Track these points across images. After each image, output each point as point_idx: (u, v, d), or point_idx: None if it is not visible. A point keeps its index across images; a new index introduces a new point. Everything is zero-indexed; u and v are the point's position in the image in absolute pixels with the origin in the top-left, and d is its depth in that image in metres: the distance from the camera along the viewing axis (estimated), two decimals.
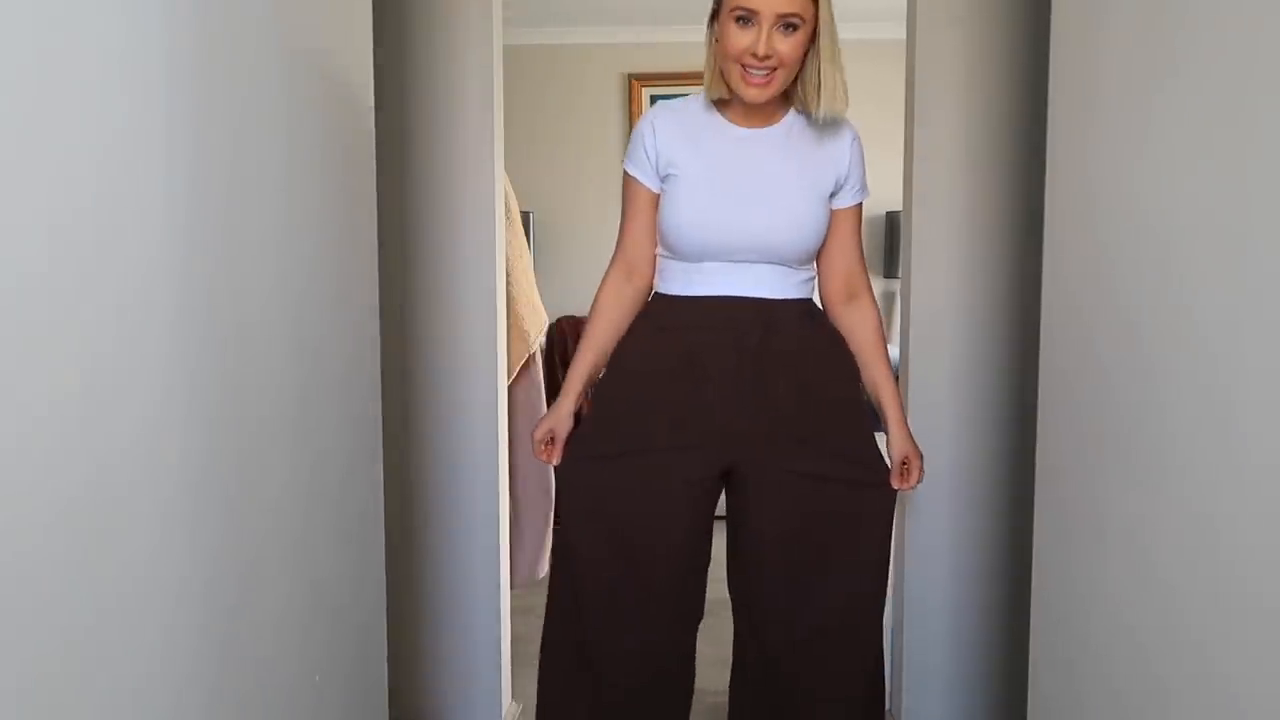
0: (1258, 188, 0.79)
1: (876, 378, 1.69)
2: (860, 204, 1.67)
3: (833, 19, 1.52)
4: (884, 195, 5.16)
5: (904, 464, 1.64)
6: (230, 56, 0.98)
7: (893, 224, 5.10)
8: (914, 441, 1.66)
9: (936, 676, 2.15)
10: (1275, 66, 0.77)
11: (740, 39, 1.47)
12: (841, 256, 1.67)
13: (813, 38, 1.50)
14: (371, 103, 1.41)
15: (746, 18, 1.46)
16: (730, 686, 1.82)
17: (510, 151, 2.39)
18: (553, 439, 1.67)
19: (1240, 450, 0.82)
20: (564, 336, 4.01)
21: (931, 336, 2.09)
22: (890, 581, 2.26)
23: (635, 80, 5.28)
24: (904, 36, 2.14)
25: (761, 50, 1.46)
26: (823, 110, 1.53)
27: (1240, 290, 0.82)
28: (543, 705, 1.73)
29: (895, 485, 1.62)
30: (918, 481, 1.64)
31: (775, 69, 1.48)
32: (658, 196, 1.62)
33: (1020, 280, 2.05)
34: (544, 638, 1.71)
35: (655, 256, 1.67)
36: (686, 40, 4.27)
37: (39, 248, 0.69)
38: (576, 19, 5.02)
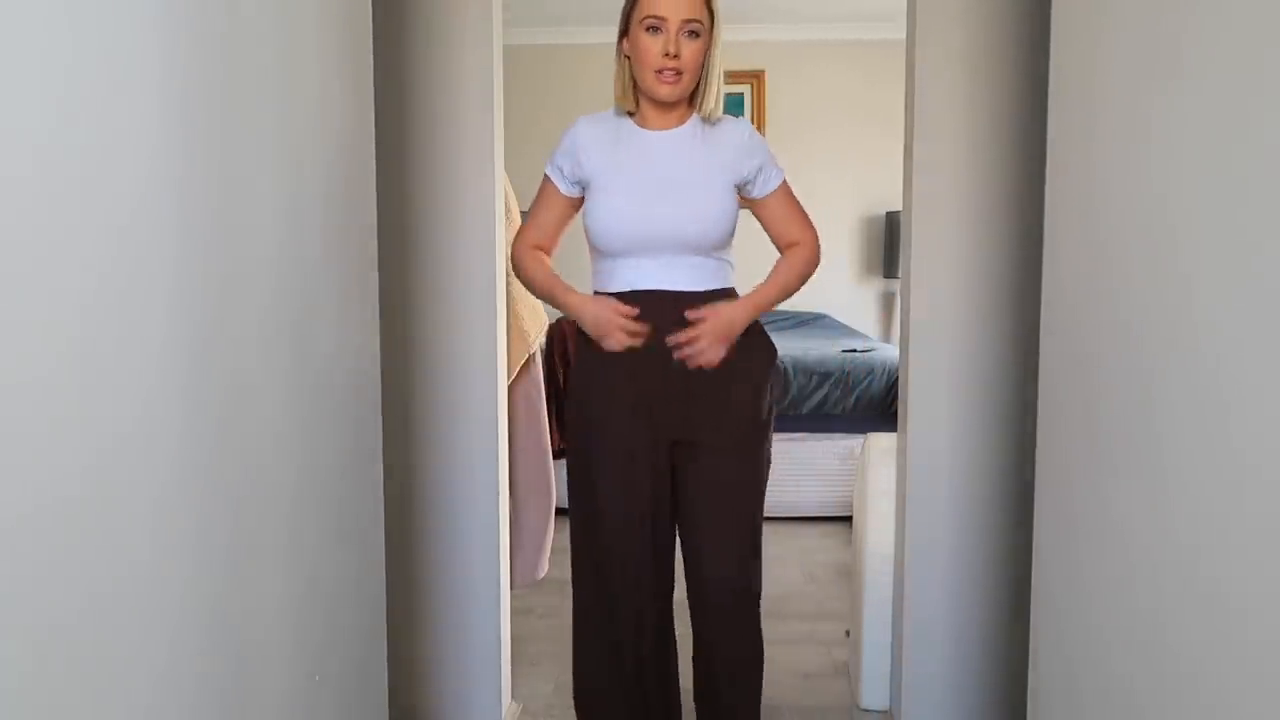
0: (1258, 187, 0.79)
1: (769, 280, 1.84)
2: (782, 184, 1.86)
3: (720, 33, 1.75)
4: (884, 195, 5.19)
5: (705, 316, 1.72)
6: (228, 56, 0.98)
7: (893, 224, 5.10)
8: (729, 320, 1.74)
9: (937, 675, 2.15)
10: (1277, 65, 0.77)
11: (653, 45, 1.71)
12: (781, 232, 1.87)
13: (706, 48, 1.74)
14: (371, 102, 1.41)
15: (656, 26, 1.70)
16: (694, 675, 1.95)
17: (510, 151, 2.39)
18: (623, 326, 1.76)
19: (1240, 449, 0.82)
20: (564, 336, 3.99)
21: (931, 336, 2.09)
22: (890, 581, 2.28)
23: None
24: (904, 36, 2.14)
25: (672, 49, 1.70)
26: (709, 107, 1.77)
27: (1240, 290, 0.82)
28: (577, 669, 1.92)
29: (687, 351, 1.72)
30: (696, 335, 1.71)
31: (682, 72, 1.71)
32: (568, 199, 1.85)
33: (1020, 280, 2.05)
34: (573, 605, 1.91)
35: (555, 243, 1.91)
36: None
37: (38, 248, 0.69)
38: (576, 19, 5.03)
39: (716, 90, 1.77)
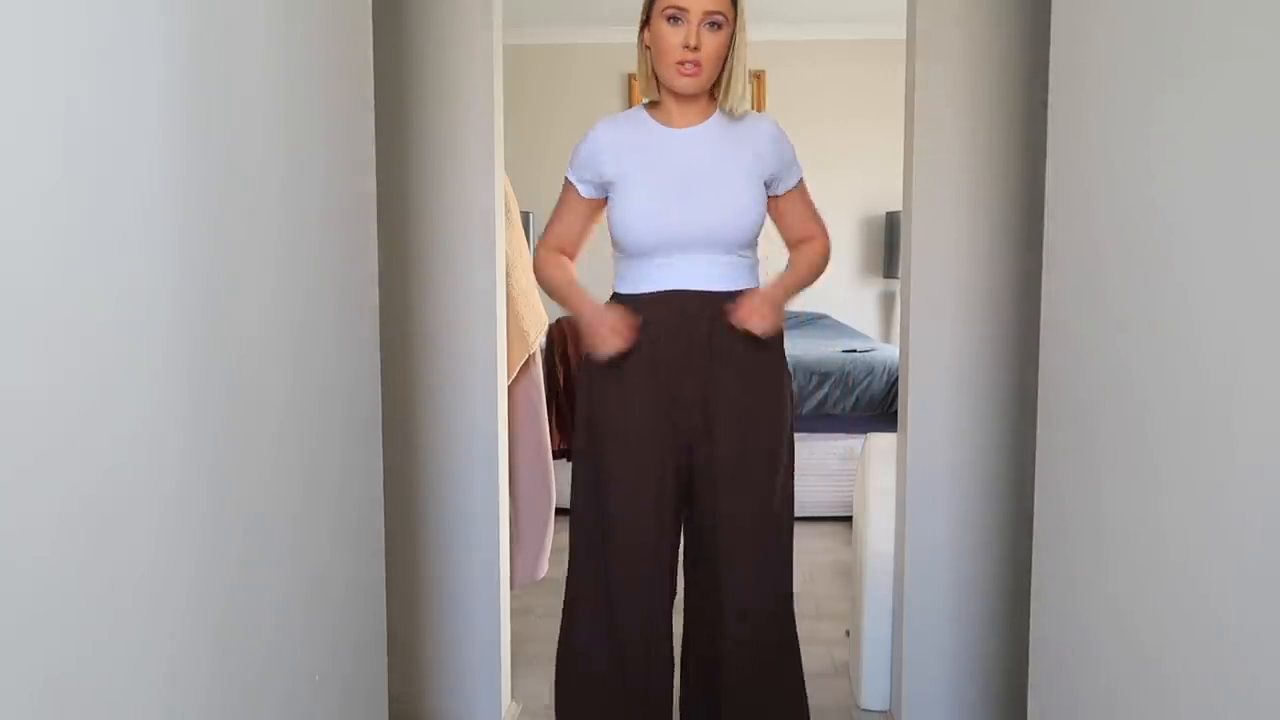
0: (1258, 187, 0.79)
1: (791, 268, 1.86)
2: (800, 181, 1.86)
3: (745, 25, 1.72)
4: (884, 195, 5.19)
5: (754, 301, 1.73)
6: (228, 58, 0.98)
7: (893, 224, 5.10)
8: (776, 302, 1.76)
9: (937, 675, 2.15)
10: (1277, 65, 0.77)
11: (673, 35, 1.67)
12: (795, 228, 1.88)
13: (730, 41, 1.70)
14: (371, 103, 1.41)
15: (677, 16, 1.66)
16: (680, 668, 1.92)
17: (510, 151, 2.39)
18: (613, 326, 1.73)
19: (1240, 449, 0.82)
20: (564, 336, 4.00)
21: (931, 336, 2.09)
22: (890, 581, 2.28)
23: (635, 80, 5.28)
24: (904, 36, 2.14)
25: (693, 41, 1.66)
26: (732, 100, 1.74)
27: (1240, 290, 0.82)
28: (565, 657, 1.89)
29: (741, 312, 1.72)
30: (747, 314, 1.71)
31: (702, 64, 1.68)
32: (589, 203, 1.83)
33: (1020, 280, 2.05)
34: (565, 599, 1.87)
35: (580, 246, 1.88)
36: None
37: (38, 249, 0.69)
38: (576, 19, 5.03)
39: (741, 84, 1.73)
